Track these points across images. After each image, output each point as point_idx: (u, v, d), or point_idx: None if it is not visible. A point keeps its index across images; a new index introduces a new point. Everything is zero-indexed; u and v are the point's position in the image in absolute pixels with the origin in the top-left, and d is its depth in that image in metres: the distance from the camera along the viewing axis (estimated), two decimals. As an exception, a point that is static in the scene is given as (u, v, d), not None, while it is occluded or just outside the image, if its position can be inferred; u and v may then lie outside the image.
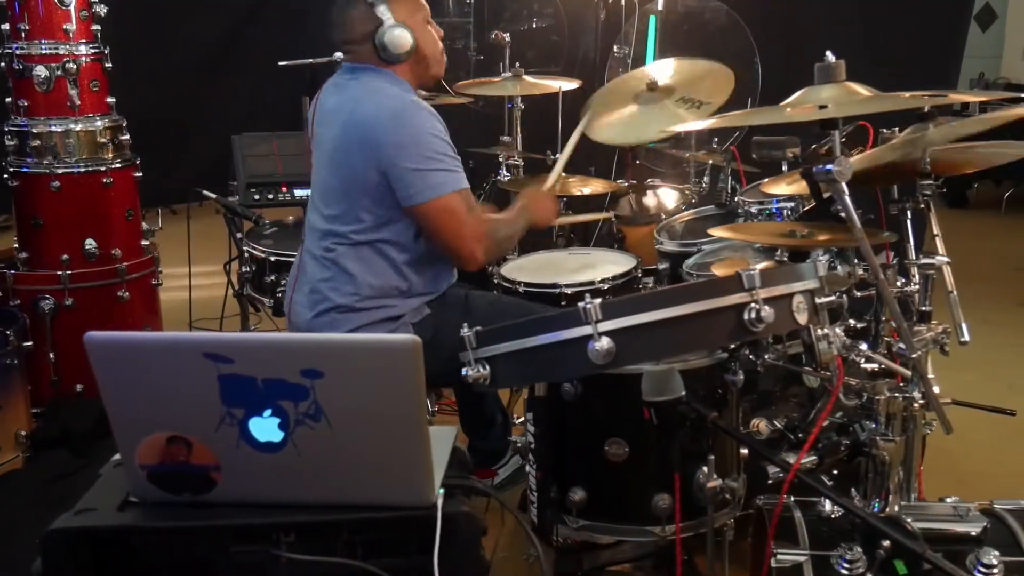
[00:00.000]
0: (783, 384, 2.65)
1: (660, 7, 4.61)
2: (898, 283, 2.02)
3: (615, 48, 4.18)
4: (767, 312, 1.56)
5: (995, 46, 7.92)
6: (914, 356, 1.72)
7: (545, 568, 1.88)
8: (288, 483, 1.48)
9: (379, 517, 1.52)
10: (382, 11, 2.36)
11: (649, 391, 1.84)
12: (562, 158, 2.80)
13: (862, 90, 1.64)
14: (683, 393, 1.84)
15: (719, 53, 3.98)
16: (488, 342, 1.66)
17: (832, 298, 1.73)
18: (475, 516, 1.53)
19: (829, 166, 1.59)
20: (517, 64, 3.49)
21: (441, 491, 1.52)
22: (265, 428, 1.42)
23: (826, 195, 1.67)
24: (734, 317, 1.57)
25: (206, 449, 1.44)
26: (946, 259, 1.80)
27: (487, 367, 1.68)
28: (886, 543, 1.63)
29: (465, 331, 1.69)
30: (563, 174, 3.37)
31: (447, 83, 3.81)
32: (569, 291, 2.73)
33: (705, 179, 3.24)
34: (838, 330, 1.81)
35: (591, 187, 3.38)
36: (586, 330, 1.55)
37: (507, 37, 3.75)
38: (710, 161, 3.24)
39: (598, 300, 1.55)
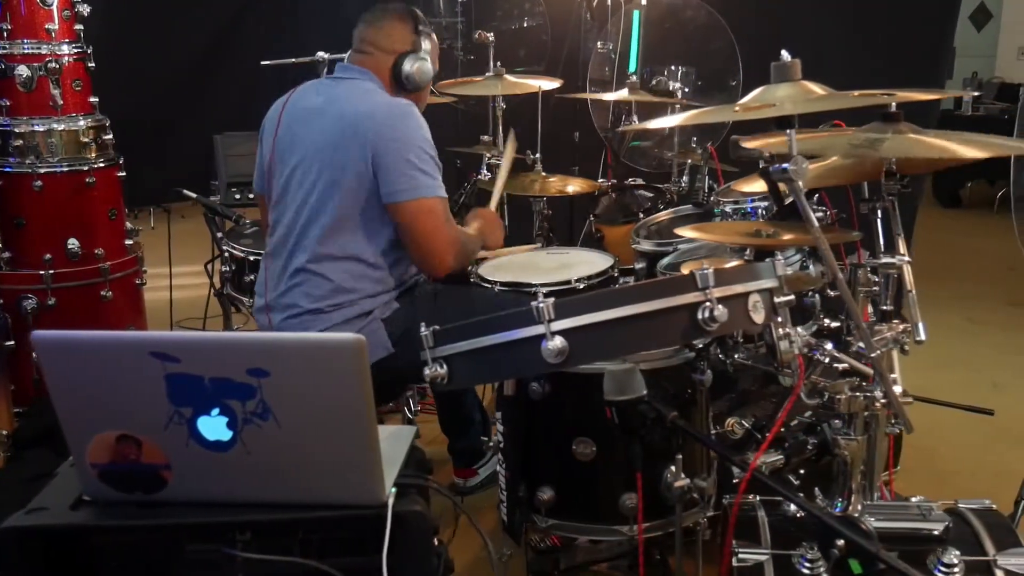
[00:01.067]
0: (761, 383, 2.65)
1: (644, 2, 4.61)
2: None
3: (599, 44, 4.18)
4: (720, 311, 1.56)
5: (989, 45, 7.92)
6: (873, 355, 1.71)
7: (496, 564, 1.88)
8: (239, 482, 1.48)
9: (332, 516, 1.52)
10: (424, 42, 2.52)
11: (610, 390, 1.84)
12: (499, 182, 2.84)
13: (817, 89, 1.64)
14: (644, 392, 1.84)
15: (699, 51, 3.99)
16: (445, 341, 1.67)
17: (791, 297, 1.73)
18: (426, 515, 1.53)
19: (785, 165, 1.59)
20: (498, 64, 3.49)
21: (393, 490, 1.52)
22: (213, 427, 1.42)
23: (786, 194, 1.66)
24: (687, 316, 1.57)
25: (156, 448, 1.44)
26: (907, 258, 1.79)
27: (444, 366, 1.68)
28: (840, 542, 1.63)
29: (423, 330, 1.69)
30: (545, 174, 3.39)
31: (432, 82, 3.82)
32: (544, 291, 2.72)
33: (684, 178, 3.24)
34: (800, 329, 1.81)
35: (574, 186, 3.38)
36: (539, 329, 1.55)
37: (491, 36, 3.75)
38: (689, 160, 3.24)
39: (551, 299, 1.55)
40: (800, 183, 1.61)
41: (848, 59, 4.52)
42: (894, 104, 1.96)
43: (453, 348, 1.65)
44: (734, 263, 2.32)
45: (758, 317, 1.64)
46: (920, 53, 4.42)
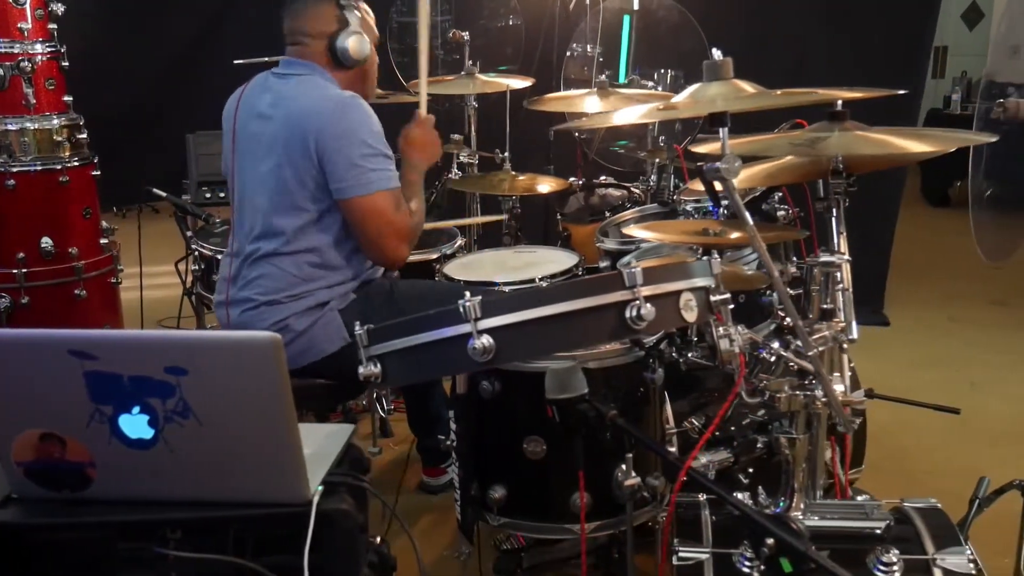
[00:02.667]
0: (726, 383, 2.64)
1: (636, 7, 4.60)
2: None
3: (573, 45, 4.17)
4: (648, 310, 1.55)
5: (981, 44, 7.90)
6: (810, 354, 1.70)
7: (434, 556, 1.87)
8: (165, 480, 1.49)
9: (261, 514, 1.52)
10: (350, 15, 2.46)
11: (551, 388, 1.84)
12: (422, 76, 2.76)
13: (748, 87, 1.63)
14: (585, 391, 1.85)
15: (670, 52, 3.98)
16: (378, 340, 1.67)
17: (727, 296, 1.72)
18: (353, 513, 1.53)
19: (717, 163, 1.59)
20: (470, 63, 3.49)
21: (319, 488, 1.52)
22: (135, 425, 1.42)
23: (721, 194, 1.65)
24: (615, 315, 1.57)
25: (79, 446, 1.45)
26: (846, 257, 1.79)
27: (378, 364, 1.68)
28: (771, 541, 1.63)
29: (358, 328, 1.69)
30: (513, 173, 3.38)
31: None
32: (507, 289, 2.73)
33: (653, 177, 3.24)
34: (741, 328, 1.80)
35: (546, 185, 3.37)
36: (466, 328, 1.55)
37: (466, 36, 3.75)
38: (657, 160, 3.23)
39: (478, 298, 1.55)
40: (733, 181, 1.61)
41: (827, 57, 4.52)
42: (840, 103, 1.96)
43: (386, 347, 1.66)
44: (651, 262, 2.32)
45: (690, 316, 1.64)
46: (898, 51, 4.41)
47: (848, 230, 4.89)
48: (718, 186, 1.63)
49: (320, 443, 1.67)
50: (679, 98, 1.69)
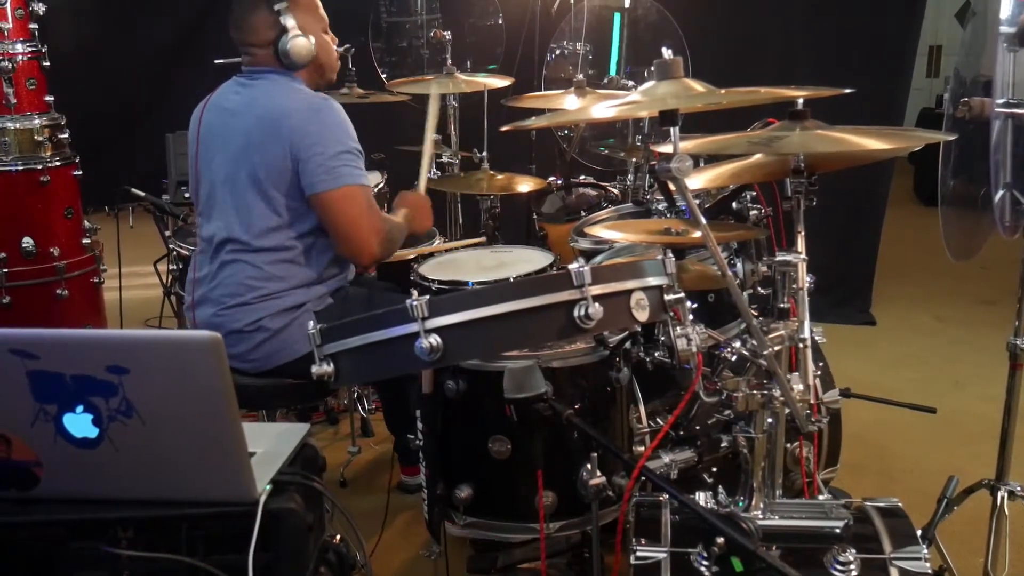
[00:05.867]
0: (704, 382, 2.64)
1: (627, 4, 4.60)
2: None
3: (563, 43, 4.17)
4: (596, 309, 1.55)
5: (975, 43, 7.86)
6: (764, 352, 1.70)
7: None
8: (112, 478, 1.49)
9: (209, 513, 1.52)
10: (286, 20, 2.44)
11: (509, 388, 1.84)
12: (424, 162, 2.83)
13: (698, 86, 1.63)
14: (543, 390, 1.85)
15: (648, 51, 3.98)
16: (331, 339, 1.67)
17: (682, 295, 1.72)
18: (300, 513, 1.53)
19: (668, 163, 1.58)
20: (450, 62, 3.49)
21: (268, 487, 1.53)
22: (79, 424, 1.43)
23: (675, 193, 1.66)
24: (564, 314, 1.57)
25: (25, 445, 1.45)
26: (803, 256, 1.78)
27: (331, 363, 1.68)
28: (720, 540, 1.63)
29: (310, 328, 1.69)
30: (492, 172, 3.38)
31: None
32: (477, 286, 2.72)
33: (630, 177, 3.24)
34: (700, 327, 1.80)
35: (526, 184, 3.37)
36: (414, 327, 1.55)
37: (447, 35, 3.74)
38: (633, 159, 3.23)
39: (425, 297, 1.55)
40: (684, 180, 1.60)
41: (812, 56, 4.52)
42: (801, 101, 1.96)
43: (338, 346, 1.66)
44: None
45: (641, 315, 1.64)
46: (884, 50, 4.41)
47: (835, 230, 4.91)
48: (671, 186, 1.63)
49: (272, 442, 1.67)
50: (631, 97, 1.69)
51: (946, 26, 8.31)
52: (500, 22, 5.13)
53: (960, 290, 5.28)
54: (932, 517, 2.35)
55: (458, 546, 2.44)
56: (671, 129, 1.60)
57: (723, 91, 1.59)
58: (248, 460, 1.46)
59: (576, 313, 1.56)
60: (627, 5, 4.55)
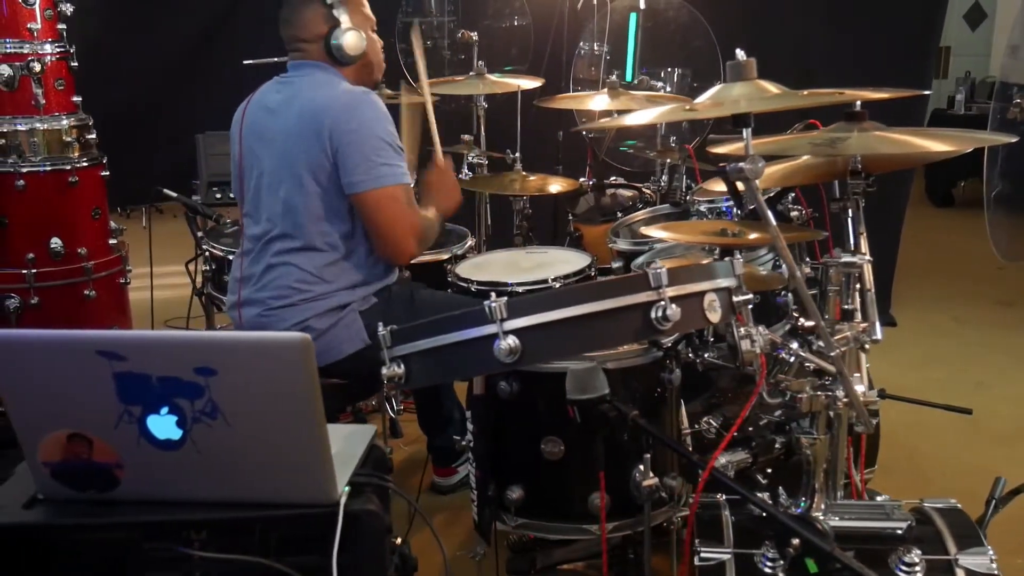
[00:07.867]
0: (739, 383, 2.65)
1: (642, 5, 4.60)
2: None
3: (582, 44, 4.17)
4: (673, 311, 1.55)
5: (984, 45, 7.92)
6: (832, 354, 1.70)
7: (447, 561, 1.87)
8: (192, 480, 1.49)
9: (287, 515, 1.52)
10: (339, 14, 2.46)
11: (572, 389, 1.84)
12: (432, 126, 2.79)
13: (772, 88, 1.64)
14: (606, 391, 1.85)
15: (678, 51, 3.98)
16: (402, 340, 1.67)
17: (750, 296, 1.73)
18: (380, 514, 1.53)
19: (741, 163, 1.59)
20: (481, 63, 3.48)
21: (346, 489, 1.52)
22: (163, 425, 1.42)
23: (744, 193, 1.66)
24: (640, 315, 1.57)
25: (107, 446, 1.45)
26: (868, 258, 1.79)
27: (402, 365, 1.68)
28: (796, 541, 1.63)
29: (381, 329, 1.69)
30: (524, 173, 3.39)
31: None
32: (520, 290, 2.73)
33: (664, 178, 3.24)
34: (764, 328, 1.80)
35: (557, 185, 3.37)
36: (492, 328, 1.55)
37: (475, 36, 3.74)
38: (668, 160, 3.23)
39: (504, 299, 1.55)
40: (756, 182, 1.61)
41: (831, 58, 4.52)
42: (859, 103, 1.96)
43: (410, 347, 1.66)
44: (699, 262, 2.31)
45: (714, 316, 1.64)
46: (905, 52, 4.41)
47: (856, 230, 4.79)
48: (740, 187, 1.63)
49: (343, 444, 1.67)
50: (703, 99, 1.69)
51: (954, 27, 8.35)
52: (518, 23, 5.14)
53: (977, 292, 5.30)
54: (981, 517, 2.35)
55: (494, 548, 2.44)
56: (744, 131, 1.61)
57: (805, 92, 1.59)
58: (331, 462, 1.46)
59: (654, 315, 1.56)
60: (643, 6, 4.56)
